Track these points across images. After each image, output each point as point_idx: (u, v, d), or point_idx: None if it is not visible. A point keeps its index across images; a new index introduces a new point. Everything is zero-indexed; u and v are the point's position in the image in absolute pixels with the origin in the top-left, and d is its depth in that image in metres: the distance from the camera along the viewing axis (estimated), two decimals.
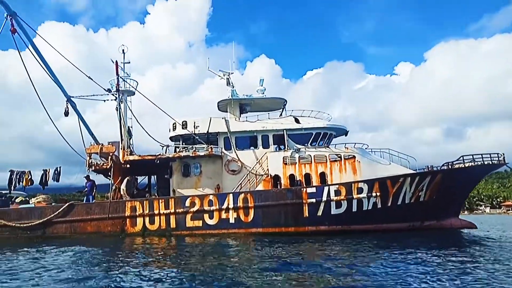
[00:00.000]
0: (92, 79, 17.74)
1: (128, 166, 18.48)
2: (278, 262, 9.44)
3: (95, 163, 19.51)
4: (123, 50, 20.40)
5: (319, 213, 17.01)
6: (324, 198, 16.98)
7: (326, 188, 17.10)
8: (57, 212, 16.42)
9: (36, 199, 19.89)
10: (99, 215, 16.62)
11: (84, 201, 19.14)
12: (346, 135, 21.17)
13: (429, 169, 18.30)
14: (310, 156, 18.58)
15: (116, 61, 16.88)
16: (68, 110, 16.90)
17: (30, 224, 16.28)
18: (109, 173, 19.55)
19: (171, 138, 20.09)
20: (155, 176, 20.63)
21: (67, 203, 16.90)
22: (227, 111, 21.20)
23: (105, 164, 18.61)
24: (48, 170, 20.82)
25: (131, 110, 18.29)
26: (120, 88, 19.97)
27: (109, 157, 16.90)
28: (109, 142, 20.97)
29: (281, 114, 21.46)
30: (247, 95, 21.16)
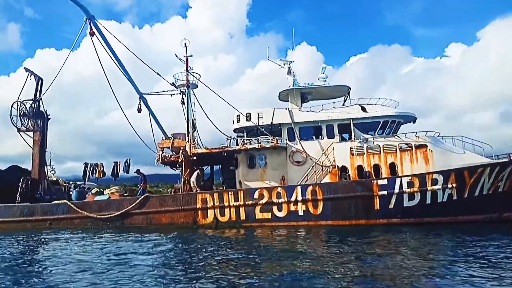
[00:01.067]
0: (159, 75, 18.19)
1: (194, 158, 18.87)
2: (353, 255, 9.38)
3: (163, 156, 20.19)
4: (185, 44, 20.55)
5: (391, 205, 16.50)
6: (396, 190, 16.42)
7: (398, 180, 16.51)
8: (133, 204, 17.18)
9: (110, 190, 21.00)
10: (172, 207, 17.19)
11: (139, 193, 19.89)
12: (414, 122, 20.23)
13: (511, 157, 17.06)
14: (379, 146, 17.95)
15: (187, 57, 17.10)
16: (140, 106, 17.45)
17: (109, 215, 17.19)
18: (177, 165, 20.17)
19: (235, 130, 20.23)
20: (220, 167, 20.94)
21: (143, 196, 17.61)
22: (287, 101, 20.93)
23: (176, 158, 19.15)
24: (118, 163, 21.86)
25: (199, 104, 18.45)
26: (183, 82, 20.33)
27: (181, 151, 17.31)
28: (173, 135, 21.58)
29: (344, 102, 20.86)
30: (308, 84, 20.72)
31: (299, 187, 16.91)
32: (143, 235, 14.45)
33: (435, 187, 16.37)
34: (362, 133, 18.72)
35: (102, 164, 21.85)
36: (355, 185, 16.73)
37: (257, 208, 16.92)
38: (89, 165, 21.82)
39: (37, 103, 21.79)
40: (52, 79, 20.83)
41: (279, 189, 17.00)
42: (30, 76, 22.03)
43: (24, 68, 22.06)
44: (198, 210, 17.10)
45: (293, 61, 21.11)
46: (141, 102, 17.43)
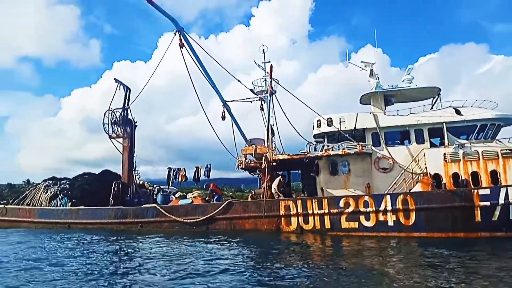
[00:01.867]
0: (240, 82, 18.38)
1: (274, 164, 18.74)
2: (457, 274, 8.45)
3: (242, 161, 20.38)
4: (263, 50, 20.64)
5: (495, 217, 14.94)
6: (501, 201, 14.83)
7: (503, 190, 14.90)
8: (218, 209, 17.48)
9: (192, 194, 21.66)
10: (255, 213, 17.21)
11: (215, 199, 20.22)
12: None
13: None
14: (478, 152, 16.36)
15: (271, 65, 17.10)
16: (224, 114, 17.77)
17: (195, 220, 17.66)
18: (257, 171, 20.23)
19: (315, 136, 19.78)
20: (300, 173, 20.62)
21: (226, 201, 17.88)
22: (369, 104, 20.00)
23: (255, 164, 19.27)
24: (200, 167, 22.50)
25: (282, 109, 18.25)
26: (262, 88, 20.38)
27: (263, 158, 17.28)
28: (250, 140, 21.72)
29: (433, 105, 19.45)
30: (392, 86, 19.62)
31: (388, 196, 15.99)
32: (228, 241, 14.66)
33: None
34: (456, 138, 17.27)
35: (184, 168, 22.70)
36: (452, 195, 15.40)
37: (343, 217, 16.29)
38: (172, 169, 22.76)
39: (125, 111, 23.24)
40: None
41: (366, 198, 16.22)
42: (120, 86, 23.57)
43: (114, 79, 23.67)
44: (282, 217, 16.91)
45: (375, 63, 20.14)
46: (225, 110, 17.73)
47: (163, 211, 18.17)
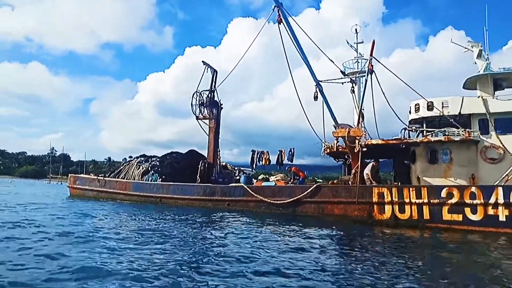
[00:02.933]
0: (333, 62, 17.69)
1: (365, 149, 17.80)
2: None
3: (330, 146, 19.75)
4: (356, 29, 19.68)
5: None
6: None
7: None
8: (305, 192, 17.12)
9: (275, 177, 21.58)
10: (345, 199, 16.56)
11: (299, 182, 19.82)
12: None
13: None
14: None
15: (373, 41, 16.12)
16: (317, 94, 17.28)
17: (282, 201, 17.51)
18: (345, 156, 19.46)
19: (411, 121, 18.44)
20: (392, 160, 19.44)
21: (315, 185, 17.46)
22: (474, 89, 18.15)
23: (343, 148, 18.56)
24: (283, 151, 22.29)
25: (382, 90, 17.04)
26: (353, 70, 19.48)
27: (357, 142, 16.49)
28: (339, 125, 20.93)
29: None
30: (504, 68, 17.53)
31: (500, 188, 14.34)
32: (316, 225, 14.14)
33: None
34: None
35: (268, 152, 22.66)
36: None
37: (445, 208, 14.97)
38: (256, 152, 22.86)
39: (212, 93, 23.76)
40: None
41: (473, 189, 14.71)
42: (207, 69, 24.13)
43: (202, 61, 24.27)
44: (374, 204, 16.04)
45: (480, 44, 18.13)
46: (317, 90, 17.20)
47: (250, 191, 18.27)
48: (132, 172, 23.78)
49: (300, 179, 20.54)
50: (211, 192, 19.50)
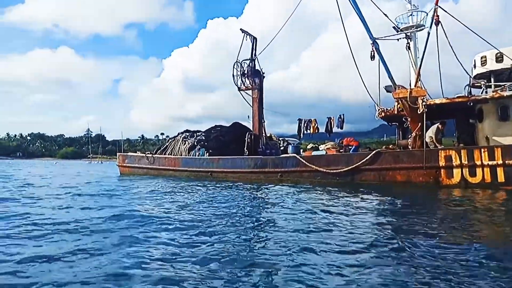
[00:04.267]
0: (387, 16, 16.28)
1: (425, 110, 16.56)
2: None
3: (384, 109, 18.63)
4: None
5: None
6: None
7: None
8: (364, 159, 16.30)
9: (326, 146, 20.73)
10: (408, 164, 15.62)
11: (352, 150, 18.73)
12: None
13: None
14: None
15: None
16: (373, 53, 16.06)
17: (339, 170, 16.80)
18: (403, 119, 18.29)
19: (476, 76, 16.91)
20: (454, 120, 18.08)
21: (374, 151, 16.58)
22: None
23: (409, 109, 17.36)
24: (332, 118, 21.34)
25: (449, 41, 15.28)
26: (408, 24, 17.91)
27: (421, 102, 15.29)
28: (386, 86, 19.63)
29: None
30: None
31: None
32: (379, 192, 13.24)
33: None
34: None
35: (315, 120, 21.78)
36: None
37: None
38: (303, 121, 22.04)
39: (253, 62, 22.86)
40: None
41: None
42: (246, 37, 23.13)
43: (240, 29, 23.27)
44: (441, 168, 15.03)
45: None
46: (374, 48, 15.97)
47: (304, 161, 17.66)
48: (179, 148, 23.71)
49: (354, 147, 19.59)
50: (262, 164, 19.06)
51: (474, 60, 16.82)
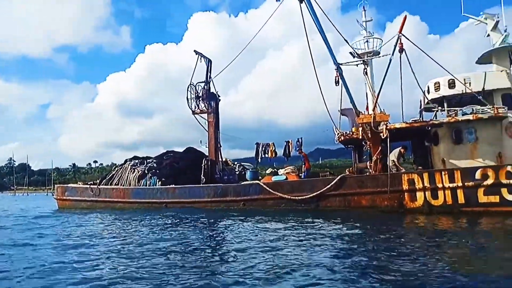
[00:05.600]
0: (347, 42, 16.47)
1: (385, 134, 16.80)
2: None
3: (342, 132, 18.68)
4: (363, 6, 18.48)
5: None
6: None
7: None
8: (329, 185, 15.98)
9: (285, 170, 20.25)
10: (373, 189, 15.55)
11: (304, 175, 18.63)
12: None
13: None
14: None
15: (405, 17, 14.85)
16: (338, 78, 16.01)
17: (304, 196, 16.29)
18: (361, 143, 18.43)
19: (430, 101, 17.57)
20: (411, 143, 18.56)
21: (339, 176, 16.34)
22: (490, 63, 17.53)
23: (357, 135, 17.59)
24: (290, 142, 21.00)
25: (411, 68, 15.52)
26: (364, 50, 18.36)
27: (384, 127, 15.40)
28: (342, 110, 19.90)
29: None
30: None
31: None
32: (344, 218, 13.22)
33: None
34: None
35: (273, 143, 21.28)
36: None
37: (480, 191, 14.26)
38: (261, 145, 21.43)
39: (208, 84, 22.03)
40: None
41: (509, 168, 14.04)
42: (200, 59, 22.32)
43: (194, 51, 22.41)
44: (405, 192, 15.13)
45: (497, 15, 17.42)
46: (338, 74, 15.95)
47: (268, 188, 16.93)
48: (127, 177, 21.81)
49: (305, 170, 19.28)
50: (223, 192, 17.99)
51: (428, 86, 17.54)
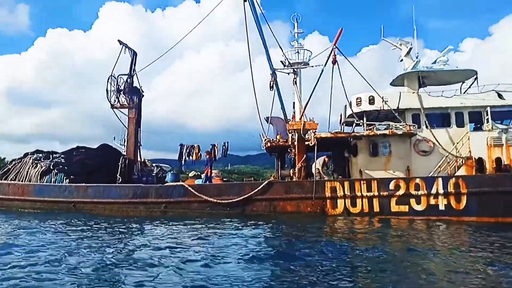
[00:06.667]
0: (282, 49, 16.73)
1: (312, 143, 17.42)
2: None
3: (269, 139, 18.90)
4: (296, 18, 19.08)
5: None
6: None
7: None
8: (256, 190, 15.89)
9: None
10: (298, 194, 15.89)
11: (204, 180, 18.50)
12: None
13: None
14: None
15: (341, 29, 15.36)
16: (273, 83, 16.00)
17: (230, 200, 15.93)
18: (287, 150, 18.83)
19: (351, 115, 18.72)
20: (331, 153, 19.47)
21: (266, 181, 16.35)
22: (402, 85, 19.43)
23: (284, 142, 17.99)
24: (216, 145, 20.54)
25: (341, 80, 16.20)
26: (294, 60, 18.90)
27: (312, 135, 15.86)
28: (267, 117, 20.28)
29: (467, 88, 19.27)
30: (427, 67, 19.10)
31: (440, 179, 15.44)
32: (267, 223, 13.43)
33: None
34: (493, 122, 17.19)
35: (198, 146, 20.58)
36: (504, 179, 15.20)
37: (393, 200, 15.51)
38: (185, 146, 20.57)
39: (132, 78, 20.56)
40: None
41: (417, 180, 15.54)
42: (125, 50, 20.76)
43: (118, 40, 20.76)
44: (327, 199, 15.76)
45: (410, 43, 19.46)
46: (273, 79, 15.97)
47: (193, 190, 16.18)
48: (27, 172, 19.03)
49: (205, 175, 18.70)
50: (143, 193, 16.67)
51: (350, 101, 18.66)
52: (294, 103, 20.11)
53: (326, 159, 16.93)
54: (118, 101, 20.19)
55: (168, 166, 26.04)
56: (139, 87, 20.62)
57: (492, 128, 16.85)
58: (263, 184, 16.08)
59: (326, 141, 17.58)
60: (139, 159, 20.81)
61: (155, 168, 23.61)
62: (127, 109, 20.35)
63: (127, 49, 20.66)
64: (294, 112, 19.42)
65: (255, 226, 12.79)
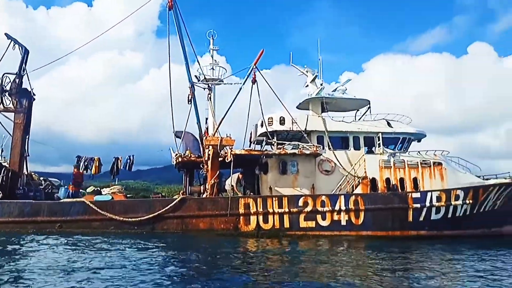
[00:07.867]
0: (199, 64, 16.44)
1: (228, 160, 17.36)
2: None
3: (180, 154, 18.30)
4: (212, 35, 19.16)
5: (421, 218, 17.36)
6: (427, 204, 17.38)
7: (429, 194, 17.51)
8: (168, 206, 15.05)
9: (111, 189, 18.17)
10: (211, 211, 15.54)
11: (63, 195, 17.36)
12: (419, 141, 21.77)
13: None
14: (404, 160, 18.89)
15: (262, 51, 15.57)
16: (190, 96, 15.42)
17: (138, 218, 14.76)
18: (200, 166, 18.42)
19: (262, 134, 19.26)
20: (242, 170, 19.60)
21: (179, 197, 15.58)
22: (307, 109, 20.88)
23: (196, 158, 17.63)
24: (119, 158, 19.06)
25: (260, 100, 16.48)
26: (208, 76, 18.85)
27: (229, 151, 15.74)
28: (176, 132, 19.79)
29: (362, 116, 21.56)
30: (329, 94, 20.93)
31: (342, 196, 16.79)
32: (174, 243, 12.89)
33: (457, 202, 17.74)
34: (384, 147, 19.55)
35: (99, 158, 18.74)
36: (393, 197, 17.25)
37: (302, 216, 16.27)
38: (83, 158, 18.54)
39: (21, 78, 17.94)
40: None
41: (323, 197, 16.63)
42: (14, 45, 18.10)
43: (5, 34, 18.04)
44: (241, 216, 15.75)
45: (316, 71, 21.13)
46: (192, 92, 15.41)
47: (95, 208, 14.55)
48: None
49: (67, 190, 17.38)
50: (34, 211, 14.35)
51: (262, 120, 19.22)
52: (206, 118, 19.94)
53: (240, 175, 17.00)
54: (2, 103, 17.32)
55: (57, 180, 23.07)
56: (30, 90, 18.04)
57: (382, 152, 19.07)
58: (176, 201, 15.34)
59: (240, 158, 17.73)
60: (26, 171, 18.02)
61: (43, 182, 20.67)
62: (13, 113, 17.57)
63: (16, 45, 18.02)
64: (207, 128, 19.19)
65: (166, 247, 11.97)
